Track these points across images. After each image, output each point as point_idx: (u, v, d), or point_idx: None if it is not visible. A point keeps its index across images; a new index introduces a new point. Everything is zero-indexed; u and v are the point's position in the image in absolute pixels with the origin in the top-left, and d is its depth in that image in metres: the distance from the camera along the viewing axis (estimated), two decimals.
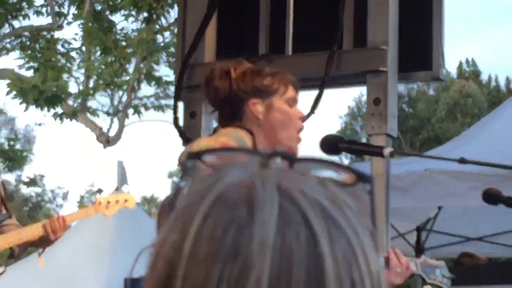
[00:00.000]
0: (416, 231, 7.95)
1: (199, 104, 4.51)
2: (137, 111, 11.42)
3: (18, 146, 13.26)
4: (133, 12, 10.89)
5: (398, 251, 3.22)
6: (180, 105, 4.68)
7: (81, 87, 11.42)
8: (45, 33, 11.41)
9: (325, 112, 4.97)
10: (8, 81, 10.78)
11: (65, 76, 11.17)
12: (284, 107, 2.92)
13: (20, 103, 10.68)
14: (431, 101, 30.96)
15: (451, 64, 34.06)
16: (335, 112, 38.53)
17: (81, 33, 11.20)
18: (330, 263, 0.69)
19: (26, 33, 11.39)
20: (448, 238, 8.26)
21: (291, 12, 4.57)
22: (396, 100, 4.33)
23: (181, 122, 4.61)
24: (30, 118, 34.72)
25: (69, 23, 11.36)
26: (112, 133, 11.68)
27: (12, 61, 16.47)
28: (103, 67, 11.20)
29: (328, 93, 4.34)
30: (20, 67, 11.00)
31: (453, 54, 40.15)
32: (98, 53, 11.30)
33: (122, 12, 10.95)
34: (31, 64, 10.99)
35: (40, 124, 11.82)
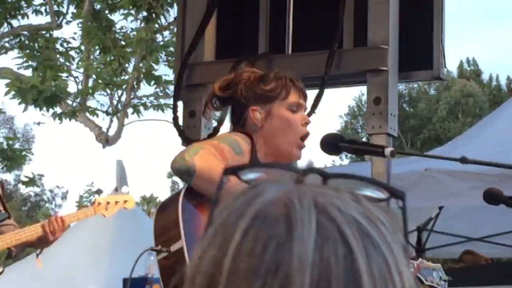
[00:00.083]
0: (417, 231, 7.92)
1: (198, 103, 4.50)
2: (136, 111, 11.39)
3: (17, 146, 13.22)
4: (132, 11, 10.87)
5: None
6: (180, 104, 4.67)
7: (80, 87, 11.40)
8: (44, 32, 11.39)
9: (325, 111, 4.95)
10: (6, 80, 10.76)
11: (64, 75, 11.15)
12: (284, 113, 2.94)
13: (19, 103, 10.66)
14: (431, 101, 30.97)
15: (452, 64, 34.14)
16: (335, 111, 38.51)
17: (80, 32, 11.19)
18: (367, 280, 0.70)
19: (25, 32, 11.37)
20: (449, 238, 8.24)
21: (291, 11, 4.55)
22: (397, 100, 4.32)
23: (180, 122, 4.59)
24: (29, 117, 34.75)
25: (68, 22, 11.35)
26: (111, 132, 11.65)
27: (11, 60, 16.48)
28: (102, 66, 11.18)
29: (328, 92, 4.33)
30: (19, 66, 10.99)
31: (454, 53, 40.19)
32: (97, 52, 11.28)
33: (121, 11, 10.94)
34: (30, 63, 10.97)
35: (39, 123, 11.74)
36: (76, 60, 11.46)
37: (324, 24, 4.43)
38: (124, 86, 11.37)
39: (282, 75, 2.98)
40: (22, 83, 10.58)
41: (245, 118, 2.95)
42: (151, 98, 11.45)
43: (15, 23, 11.25)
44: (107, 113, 11.56)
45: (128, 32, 11.19)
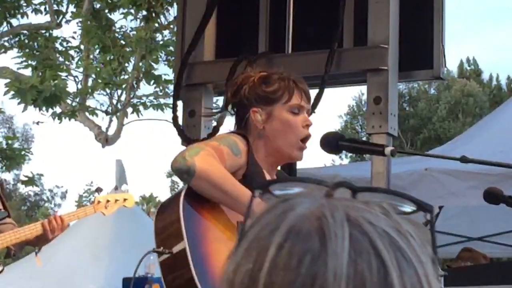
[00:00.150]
0: None
1: (198, 103, 4.50)
2: (136, 110, 11.39)
3: (16, 145, 13.20)
4: (132, 11, 10.86)
5: None
6: (179, 103, 4.67)
7: (79, 86, 11.39)
8: (43, 31, 11.39)
9: (325, 111, 4.94)
10: (6, 80, 10.75)
11: (63, 74, 11.14)
12: (285, 115, 2.94)
13: (18, 103, 10.65)
14: (432, 100, 30.96)
15: (452, 63, 34.14)
16: (335, 111, 38.56)
17: (79, 32, 11.18)
18: None
19: (25, 31, 11.37)
20: (449, 238, 8.23)
21: (291, 11, 4.54)
22: (397, 99, 4.31)
23: (180, 121, 4.59)
24: (28, 116, 34.76)
25: (67, 22, 11.34)
26: (111, 132, 11.65)
27: (10, 59, 16.47)
28: (101, 65, 11.18)
29: (328, 91, 4.32)
30: (18, 65, 10.98)
31: (454, 53, 40.19)
32: (97, 51, 11.27)
33: (121, 10, 10.93)
34: (29, 62, 10.96)
35: (38, 123, 11.73)
36: (76, 59, 11.46)
37: (324, 23, 4.43)
38: (123, 86, 11.36)
39: (286, 76, 2.98)
40: (22, 83, 10.57)
41: (247, 119, 2.96)
42: (151, 98, 11.45)
43: (14, 22, 11.26)
44: (106, 112, 11.56)
45: (128, 31, 11.19)
